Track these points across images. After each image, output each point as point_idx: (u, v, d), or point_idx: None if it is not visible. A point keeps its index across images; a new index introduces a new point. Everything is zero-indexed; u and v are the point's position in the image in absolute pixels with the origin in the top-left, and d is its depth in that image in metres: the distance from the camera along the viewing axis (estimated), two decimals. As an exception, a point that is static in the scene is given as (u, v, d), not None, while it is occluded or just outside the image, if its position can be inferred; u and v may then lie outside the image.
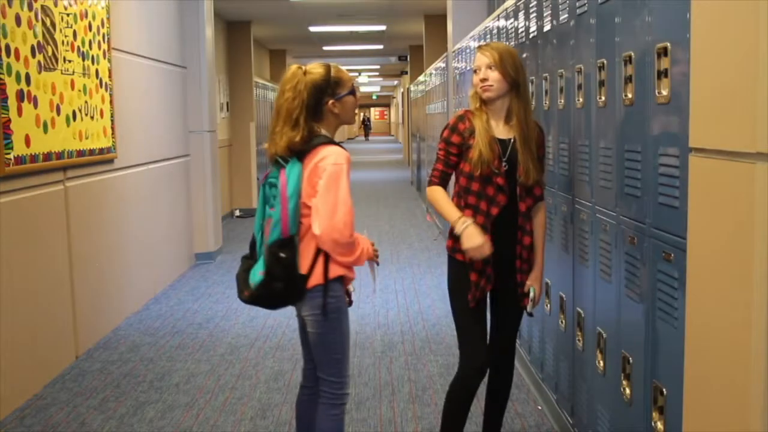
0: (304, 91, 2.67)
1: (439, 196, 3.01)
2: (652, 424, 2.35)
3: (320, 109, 2.72)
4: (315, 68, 2.74)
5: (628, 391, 2.60)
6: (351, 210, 2.62)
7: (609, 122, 2.79)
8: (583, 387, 3.17)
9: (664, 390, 2.28)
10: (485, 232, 2.89)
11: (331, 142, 2.70)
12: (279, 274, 2.67)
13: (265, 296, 2.71)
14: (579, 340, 3.20)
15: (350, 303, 2.86)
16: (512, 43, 4.52)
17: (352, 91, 2.78)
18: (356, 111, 2.84)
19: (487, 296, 3.03)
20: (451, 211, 2.94)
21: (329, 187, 2.61)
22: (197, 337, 5.32)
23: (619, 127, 2.67)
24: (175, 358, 4.87)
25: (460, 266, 2.97)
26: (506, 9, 4.72)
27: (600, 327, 2.91)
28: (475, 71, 2.97)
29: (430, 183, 3.07)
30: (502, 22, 4.92)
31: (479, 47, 3.02)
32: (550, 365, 3.78)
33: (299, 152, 2.67)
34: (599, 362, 2.91)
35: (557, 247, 3.56)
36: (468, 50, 6.63)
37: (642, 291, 2.45)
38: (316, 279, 2.70)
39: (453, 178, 3.08)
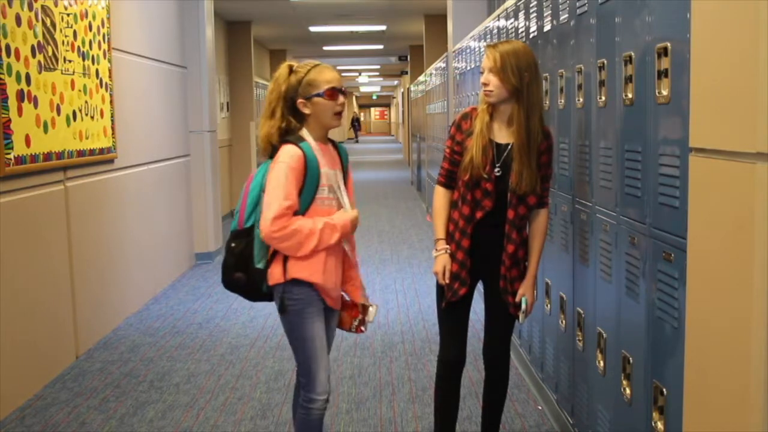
0: (282, 84, 2.74)
1: (439, 204, 3.06)
2: (652, 424, 2.35)
3: (296, 108, 2.77)
4: (300, 67, 2.81)
5: (628, 391, 2.60)
6: (281, 206, 2.63)
7: (609, 122, 2.79)
8: (584, 387, 3.17)
9: (664, 390, 2.28)
10: (466, 237, 2.94)
11: (296, 141, 2.73)
12: (231, 264, 2.76)
13: (229, 283, 2.82)
14: (579, 340, 3.20)
15: (359, 328, 2.95)
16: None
17: (322, 93, 2.75)
18: (336, 114, 2.79)
19: (472, 296, 3.07)
20: (439, 228, 3.04)
21: (269, 185, 2.68)
22: (197, 337, 5.32)
23: (619, 127, 2.67)
24: (175, 358, 4.87)
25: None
26: (506, 9, 4.72)
27: (600, 327, 2.91)
28: (481, 72, 2.94)
29: (437, 182, 3.10)
30: (502, 22, 4.92)
31: (487, 46, 2.98)
32: (550, 365, 3.78)
33: (275, 147, 2.75)
34: (599, 362, 2.91)
35: (557, 247, 3.56)
36: (468, 50, 6.63)
37: (642, 291, 2.45)
38: (275, 277, 2.75)
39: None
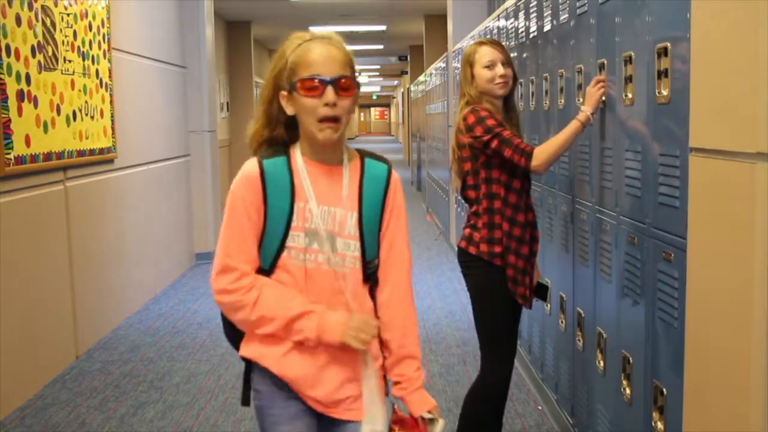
0: (277, 65, 1.83)
1: (550, 140, 2.85)
2: (652, 424, 2.35)
3: (280, 106, 1.83)
4: (295, 38, 1.83)
5: (628, 391, 2.60)
6: (222, 261, 1.83)
7: (609, 122, 2.79)
8: (584, 387, 3.17)
9: (664, 390, 2.28)
10: (525, 245, 2.90)
11: (268, 154, 1.83)
12: (225, 319, 1.97)
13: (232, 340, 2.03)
14: (579, 340, 3.20)
15: None
16: (512, 43, 4.53)
17: (295, 85, 1.76)
18: (322, 122, 1.75)
19: None
20: (567, 127, 2.82)
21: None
22: (197, 336, 5.32)
23: (619, 127, 2.67)
24: (175, 357, 4.87)
25: (497, 271, 2.90)
26: (506, 9, 4.72)
27: (600, 327, 2.91)
28: (488, 66, 2.91)
29: (528, 150, 2.80)
30: (502, 22, 4.92)
31: (485, 42, 2.98)
32: (550, 365, 3.78)
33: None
34: (599, 362, 2.91)
35: (557, 247, 3.56)
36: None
37: (642, 291, 2.45)
38: (240, 348, 1.92)
39: (481, 188, 2.95)
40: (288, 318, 1.77)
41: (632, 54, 2.51)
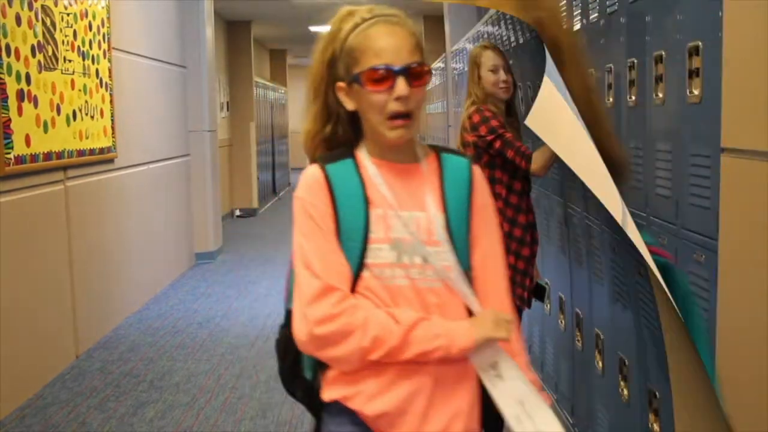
0: (328, 48, 1.60)
1: (541, 149, 2.87)
2: (650, 425, 2.36)
3: (336, 99, 1.57)
4: (350, 14, 1.64)
5: (626, 391, 2.60)
6: (317, 278, 1.46)
7: (639, 122, 2.75)
8: (583, 387, 3.17)
9: (657, 393, 2.27)
10: (526, 246, 2.93)
11: (330, 158, 1.56)
12: (287, 374, 1.66)
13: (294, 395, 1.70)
14: (578, 340, 3.21)
15: None
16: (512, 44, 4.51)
17: (358, 77, 1.50)
18: (391, 119, 1.48)
19: None
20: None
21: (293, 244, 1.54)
22: (197, 336, 5.32)
23: (650, 127, 2.64)
24: (175, 357, 4.87)
25: None
26: (490, 16, 4.71)
27: (597, 328, 2.92)
28: (492, 70, 2.95)
29: (528, 153, 2.85)
30: (489, 28, 4.91)
31: (488, 46, 3.02)
32: (550, 365, 3.78)
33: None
34: (598, 363, 2.92)
35: (555, 247, 3.56)
36: (466, 51, 6.62)
37: (629, 297, 2.45)
38: (327, 391, 1.56)
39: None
40: (405, 329, 1.44)
41: (663, 53, 2.45)
